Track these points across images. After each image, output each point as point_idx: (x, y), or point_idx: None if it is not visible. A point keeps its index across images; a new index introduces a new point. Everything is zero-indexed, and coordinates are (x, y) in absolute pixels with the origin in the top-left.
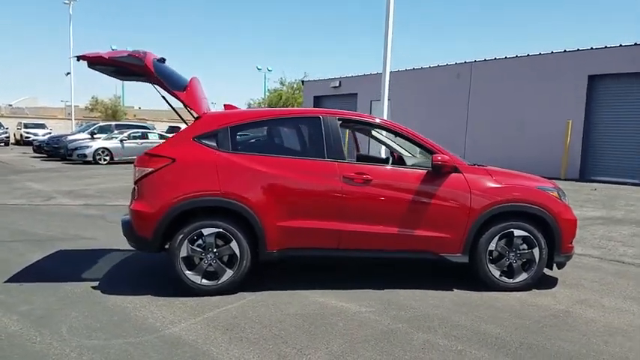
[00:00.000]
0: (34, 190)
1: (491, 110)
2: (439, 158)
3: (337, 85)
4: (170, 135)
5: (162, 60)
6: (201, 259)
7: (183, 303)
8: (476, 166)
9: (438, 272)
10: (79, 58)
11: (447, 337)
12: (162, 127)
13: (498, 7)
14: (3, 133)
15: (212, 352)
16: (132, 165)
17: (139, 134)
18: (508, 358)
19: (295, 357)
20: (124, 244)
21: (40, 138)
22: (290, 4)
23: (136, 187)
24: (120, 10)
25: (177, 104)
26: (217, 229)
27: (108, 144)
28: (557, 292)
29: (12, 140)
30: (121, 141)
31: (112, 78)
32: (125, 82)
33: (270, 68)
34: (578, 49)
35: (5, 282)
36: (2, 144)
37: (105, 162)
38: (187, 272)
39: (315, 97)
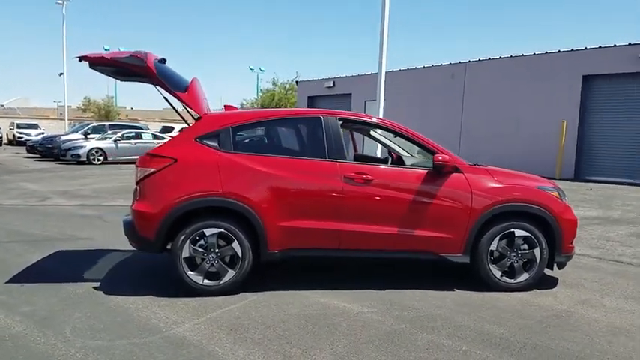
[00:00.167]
0: (29, 191)
1: (486, 110)
2: (440, 158)
3: (331, 85)
4: (164, 135)
5: (163, 60)
6: (203, 259)
7: (185, 303)
8: (476, 166)
9: (437, 272)
10: (80, 58)
11: (451, 337)
12: (154, 128)
13: (498, 7)
14: None
15: (217, 353)
16: (126, 165)
17: (133, 134)
18: (513, 359)
19: (300, 357)
20: (122, 244)
21: (34, 138)
22: (283, 4)
23: (138, 188)
24: (112, 9)
25: (177, 105)
26: (219, 230)
27: (102, 144)
28: (558, 292)
29: (4, 140)
30: (115, 141)
31: (104, 78)
32: (117, 82)
33: (262, 68)
34: (572, 50)
35: (6, 282)
36: None
37: (99, 162)
38: (189, 272)
39: (309, 97)
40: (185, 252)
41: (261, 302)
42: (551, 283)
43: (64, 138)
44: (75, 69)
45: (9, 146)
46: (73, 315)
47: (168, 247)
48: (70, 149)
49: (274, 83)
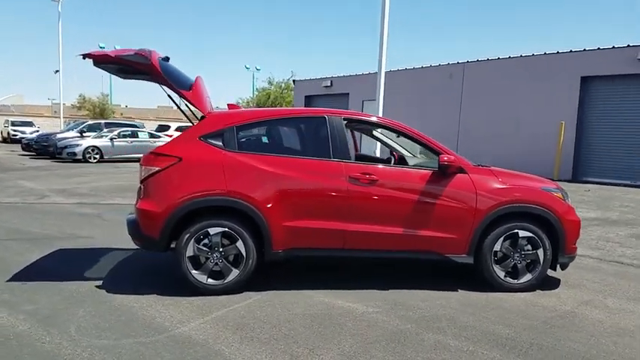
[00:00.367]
0: (26, 189)
1: (485, 111)
2: (445, 158)
3: (329, 84)
4: (160, 134)
5: (167, 59)
6: (207, 258)
7: (189, 302)
8: (480, 166)
9: (438, 272)
10: (84, 56)
11: (458, 337)
12: (149, 126)
13: (498, 7)
14: None
15: (224, 352)
16: (122, 164)
17: (129, 133)
18: (520, 359)
19: (308, 357)
20: (123, 242)
21: (29, 136)
22: (282, 3)
23: (142, 186)
24: (107, 7)
25: (181, 103)
26: (223, 229)
27: (98, 142)
28: (561, 293)
29: None
30: (111, 139)
31: (98, 76)
32: (113, 80)
33: (258, 67)
34: (571, 51)
35: (7, 281)
36: None
37: (95, 160)
38: (193, 272)
39: (306, 96)
40: (189, 251)
41: (266, 302)
42: (553, 283)
43: (59, 136)
44: (70, 67)
45: (3, 144)
46: (77, 314)
47: (172, 246)
48: (65, 147)
49: (270, 82)
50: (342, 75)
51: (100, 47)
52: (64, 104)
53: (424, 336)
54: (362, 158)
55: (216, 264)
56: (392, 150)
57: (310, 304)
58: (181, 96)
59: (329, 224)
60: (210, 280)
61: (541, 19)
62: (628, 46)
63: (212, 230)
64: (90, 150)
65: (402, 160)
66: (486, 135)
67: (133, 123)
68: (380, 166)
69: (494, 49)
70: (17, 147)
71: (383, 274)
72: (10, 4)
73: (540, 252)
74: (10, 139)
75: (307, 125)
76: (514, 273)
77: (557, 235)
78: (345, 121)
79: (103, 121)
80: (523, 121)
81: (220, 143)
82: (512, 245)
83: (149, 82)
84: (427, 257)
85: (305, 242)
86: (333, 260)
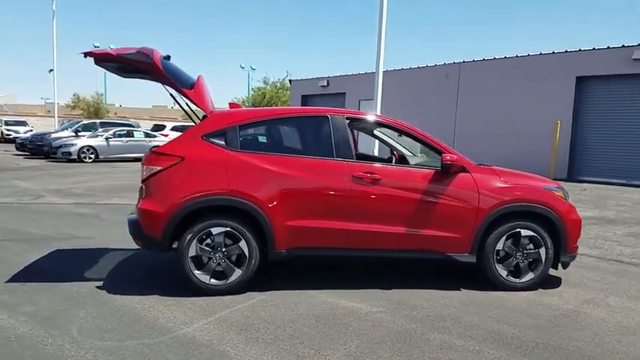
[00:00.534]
0: (21, 189)
1: (481, 110)
2: (448, 158)
3: (325, 84)
4: (155, 133)
5: (168, 57)
6: (209, 258)
7: (192, 303)
8: (482, 165)
9: (439, 271)
10: (86, 54)
11: (463, 337)
12: (144, 125)
13: (497, 7)
14: None
15: (229, 353)
16: (117, 163)
17: (125, 132)
18: (526, 358)
19: (314, 358)
20: (121, 243)
21: (23, 135)
22: (279, 3)
23: (144, 186)
24: (97, 7)
25: (183, 102)
26: (226, 229)
27: (93, 142)
28: (563, 292)
29: None
30: (107, 139)
31: (92, 76)
32: (107, 79)
33: (253, 67)
34: (566, 51)
35: (7, 282)
36: None
37: (90, 160)
38: (196, 272)
39: (302, 95)
40: (192, 251)
41: (269, 302)
42: (555, 282)
43: (54, 135)
44: (64, 66)
45: None
46: (78, 315)
47: (174, 246)
48: (60, 147)
49: (265, 82)
50: (338, 75)
51: (95, 46)
52: (57, 104)
53: (430, 336)
54: (362, 157)
55: (219, 264)
56: (392, 149)
57: (314, 304)
58: (183, 95)
59: (332, 224)
60: (213, 281)
61: (541, 19)
62: (623, 46)
63: (215, 230)
64: (85, 150)
65: (402, 160)
66: (482, 134)
67: (129, 122)
68: (382, 165)
69: (493, 49)
70: (11, 147)
71: (385, 273)
72: (3, 2)
73: (542, 251)
74: (3, 139)
75: (310, 124)
76: (516, 272)
77: (558, 234)
78: (348, 121)
79: (98, 121)
80: (519, 120)
81: (223, 142)
82: (515, 244)
83: (144, 82)
84: (430, 256)
85: (308, 242)
86: (335, 260)
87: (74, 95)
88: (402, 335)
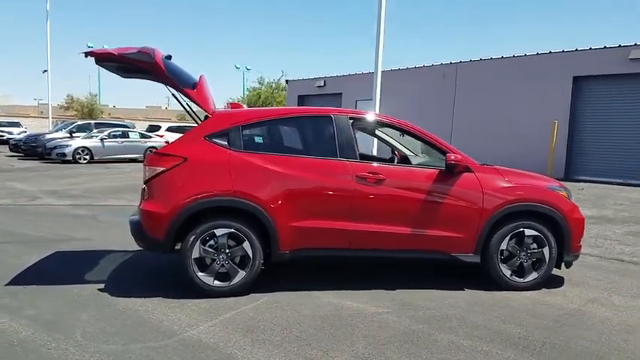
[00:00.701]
0: (17, 190)
1: (478, 111)
2: (453, 158)
3: (322, 84)
4: (151, 134)
5: (169, 57)
6: (213, 260)
7: (196, 305)
8: (485, 165)
9: (442, 271)
10: (86, 54)
11: (470, 337)
12: (138, 126)
13: (496, 6)
14: None
15: (237, 356)
16: (113, 165)
17: (120, 133)
18: (534, 358)
19: (322, 359)
20: (121, 244)
21: (17, 137)
22: (272, 3)
23: (146, 187)
24: (95, 6)
25: (184, 103)
26: (230, 230)
27: (88, 143)
28: (567, 291)
29: None
30: (102, 140)
31: (85, 76)
32: (102, 80)
33: (248, 67)
34: (563, 51)
35: (7, 285)
36: None
37: (85, 161)
38: (199, 274)
39: (299, 96)
40: (195, 253)
41: (273, 303)
42: (557, 282)
43: (48, 136)
44: (57, 66)
45: None
46: (81, 318)
47: (177, 247)
48: (55, 148)
49: (260, 82)
50: (335, 75)
51: (89, 46)
52: (51, 105)
53: (437, 336)
54: (364, 158)
55: (223, 265)
56: (393, 149)
57: (319, 305)
58: (185, 95)
59: (336, 224)
60: (216, 282)
61: (541, 19)
62: (620, 46)
63: (218, 231)
64: (80, 151)
65: (404, 160)
66: (479, 134)
67: (124, 123)
68: (386, 165)
69: (493, 49)
70: (4, 148)
71: (388, 273)
72: None
73: (546, 250)
74: None
75: (313, 124)
76: (520, 272)
77: (562, 234)
78: (352, 121)
79: (92, 122)
80: (516, 120)
81: (226, 143)
82: (518, 244)
83: (137, 82)
84: (434, 257)
85: (312, 242)
86: (337, 260)
87: (68, 96)
88: (409, 336)
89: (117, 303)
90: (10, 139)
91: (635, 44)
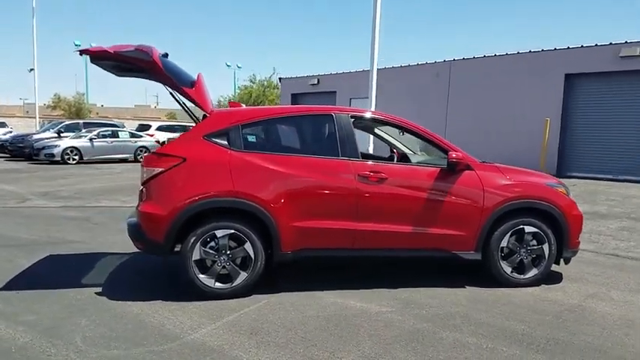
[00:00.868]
0: (5, 192)
1: (471, 108)
2: (454, 156)
3: (315, 82)
4: (141, 133)
5: (166, 55)
6: (214, 261)
7: (197, 307)
8: (485, 163)
9: (442, 269)
10: (81, 52)
11: (475, 335)
12: (127, 125)
13: (495, 4)
14: None
15: (242, 358)
16: (102, 165)
17: (109, 133)
18: (540, 355)
19: None
20: (117, 246)
21: (2, 137)
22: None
23: (145, 189)
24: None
25: (183, 102)
26: (231, 231)
27: (77, 143)
28: (566, 287)
29: None
30: (91, 140)
31: (72, 75)
32: (89, 79)
33: (239, 65)
34: (555, 49)
35: (0, 290)
36: None
37: (74, 162)
38: (200, 276)
39: (292, 94)
40: (196, 254)
41: (276, 304)
42: (556, 278)
43: (35, 137)
44: (43, 65)
45: None
46: (80, 323)
47: (177, 249)
48: (43, 148)
49: (252, 81)
50: (329, 73)
51: (76, 45)
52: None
53: (442, 334)
54: (364, 156)
55: (224, 267)
56: (392, 147)
57: (322, 305)
58: (183, 94)
59: (338, 224)
60: (217, 284)
61: (541, 15)
62: (610, 44)
63: (219, 232)
64: (69, 151)
65: (403, 158)
66: (473, 132)
67: (113, 122)
68: (388, 164)
69: (493, 46)
70: None
71: (388, 272)
72: None
73: (546, 247)
74: None
75: (314, 123)
76: (520, 268)
77: (561, 230)
78: (353, 119)
79: (81, 121)
80: (508, 118)
81: (225, 142)
82: (518, 241)
83: (125, 81)
84: (436, 255)
85: (314, 242)
86: (340, 260)
87: (55, 95)
88: (415, 335)
89: (116, 307)
90: None
91: (626, 42)
